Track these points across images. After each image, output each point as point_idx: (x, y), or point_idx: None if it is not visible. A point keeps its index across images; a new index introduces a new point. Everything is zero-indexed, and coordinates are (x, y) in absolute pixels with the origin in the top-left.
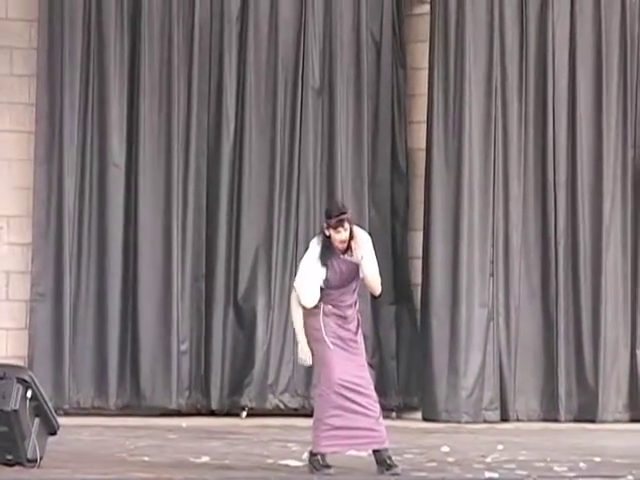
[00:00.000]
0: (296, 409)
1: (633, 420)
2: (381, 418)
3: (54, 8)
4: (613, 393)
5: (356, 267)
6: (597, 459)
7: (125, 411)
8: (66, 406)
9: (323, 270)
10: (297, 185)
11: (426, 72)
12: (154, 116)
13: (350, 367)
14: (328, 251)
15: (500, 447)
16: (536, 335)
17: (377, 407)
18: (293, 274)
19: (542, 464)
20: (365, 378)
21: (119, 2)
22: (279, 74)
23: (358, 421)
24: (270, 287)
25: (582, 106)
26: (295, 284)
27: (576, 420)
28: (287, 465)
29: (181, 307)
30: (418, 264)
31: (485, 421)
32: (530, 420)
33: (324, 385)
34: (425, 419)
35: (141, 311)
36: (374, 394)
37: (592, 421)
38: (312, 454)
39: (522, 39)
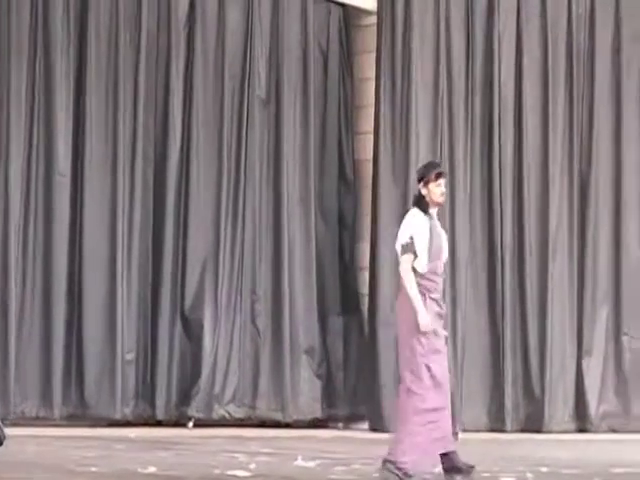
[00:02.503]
0: (242, 419)
1: (580, 430)
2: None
3: (0, 16)
4: (560, 403)
5: (442, 240)
6: (544, 469)
7: (70, 421)
8: (11, 416)
9: (428, 226)
10: (243, 195)
11: (373, 83)
12: (100, 125)
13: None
14: (425, 207)
15: None
16: (483, 346)
17: None
18: (240, 285)
19: (489, 474)
20: None
21: (65, 9)
22: (226, 83)
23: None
24: (217, 298)
25: (529, 117)
26: (406, 245)
27: (523, 430)
28: (235, 475)
29: (127, 317)
30: (365, 275)
31: None
32: (477, 430)
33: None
34: (372, 429)
35: (86, 321)
36: None
37: (539, 431)
38: None
39: (468, 50)
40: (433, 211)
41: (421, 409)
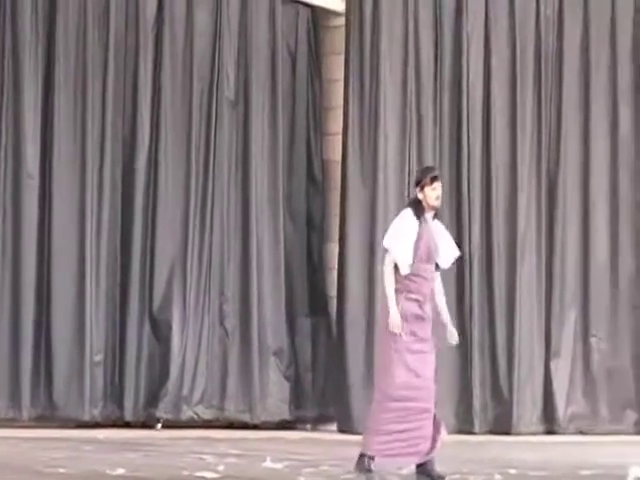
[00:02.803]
0: (210, 421)
1: (548, 432)
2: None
3: None
4: (528, 405)
5: (437, 244)
6: (512, 471)
7: (39, 422)
8: None
9: (416, 232)
10: (212, 197)
11: (342, 84)
12: (69, 127)
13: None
14: (420, 211)
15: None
16: (451, 347)
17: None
18: (208, 286)
19: (457, 476)
20: None
21: (34, 9)
22: (194, 84)
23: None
24: (185, 299)
25: (497, 119)
26: (388, 245)
27: (491, 432)
28: (203, 477)
29: (95, 318)
30: (334, 276)
31: None
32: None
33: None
34: (340, 430)
35: (55, 322)
36: None
37: (507, 433)
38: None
39: (437, 51)
40: (429, 215)
41: (391, 408)
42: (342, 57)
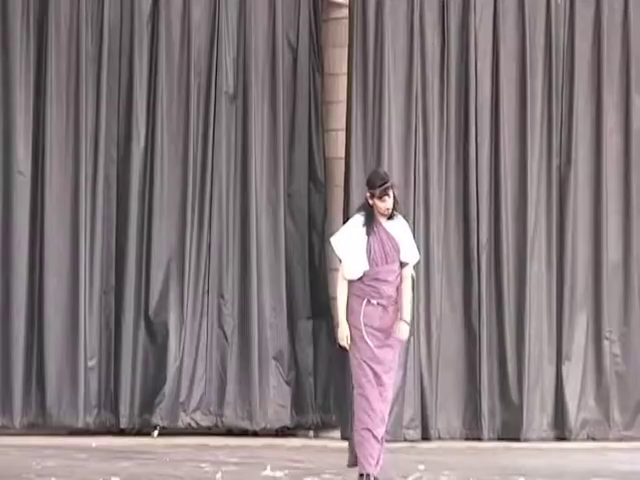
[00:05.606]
0: (209, 428)
1: (558, 438)
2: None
3: None
4: (537, 410)
5: (397, 244)
6: (521, 479)
7: (31, 430)
8: None
9: (366, 236)
10: (210, 195)
11: (344, 78)
12: (61, 122)
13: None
14: (371, 218)
15: (421, 467)
16: (458, 350)
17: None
18: (206, 287)
19: None
20: None
21: (25, 3)
22: (191, 78)
23: None
24: (182, 301)
25: (505, 114)
26: (337, 252)
27: (500, 438)
28: None
29: (89, 321)
30: (336, 276)
31: (405, 440)
32: (452, 439)
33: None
34: (343, 437)
35: (47, 325)
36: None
37: (516, 439)
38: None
39: (443, 44)
40: (382, 218)
41: (359, 417)
42: (345, 50)
